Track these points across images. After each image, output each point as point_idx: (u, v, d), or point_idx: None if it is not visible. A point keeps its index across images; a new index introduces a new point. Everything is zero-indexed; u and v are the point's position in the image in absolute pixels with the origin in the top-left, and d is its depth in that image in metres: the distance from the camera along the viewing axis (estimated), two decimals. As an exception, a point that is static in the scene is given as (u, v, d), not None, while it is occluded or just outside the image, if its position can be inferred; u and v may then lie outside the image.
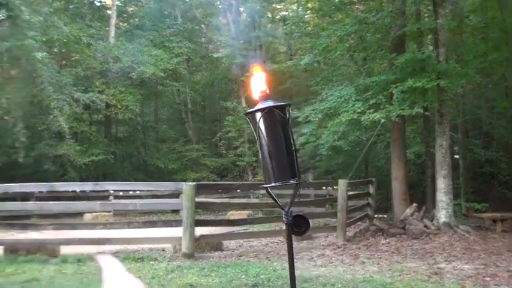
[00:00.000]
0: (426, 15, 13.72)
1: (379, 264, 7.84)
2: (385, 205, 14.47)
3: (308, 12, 20.13)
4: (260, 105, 1.20)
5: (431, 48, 13.45)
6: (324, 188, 14.29)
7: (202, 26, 28.85)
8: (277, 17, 27.34)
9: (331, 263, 8.08)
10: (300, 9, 22.30)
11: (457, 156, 14.17)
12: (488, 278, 6.55)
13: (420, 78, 10.42)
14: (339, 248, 9.40)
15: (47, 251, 8.68)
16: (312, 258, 8.49)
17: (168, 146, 24.86)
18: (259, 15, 24.84)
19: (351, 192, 11.49)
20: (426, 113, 11.70)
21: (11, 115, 17.47)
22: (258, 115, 1.18)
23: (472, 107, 17.22)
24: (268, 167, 1.25)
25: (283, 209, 1.31)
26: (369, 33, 13.36)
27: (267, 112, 1.14)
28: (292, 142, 1.20)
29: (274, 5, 26.30)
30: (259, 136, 1.11)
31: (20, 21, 16.57)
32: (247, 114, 1.22)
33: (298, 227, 1.34)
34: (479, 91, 16.83)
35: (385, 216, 13.54)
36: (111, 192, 17.04)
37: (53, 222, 8.97)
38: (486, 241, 9.88)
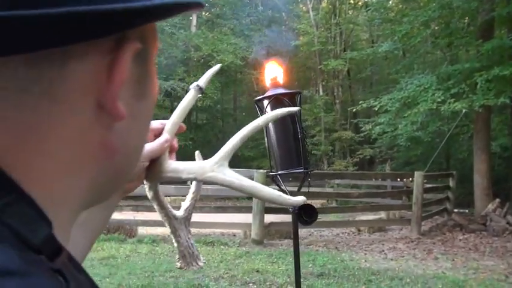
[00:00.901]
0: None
1: (453, 260, 7.55)
2: (467, 200, 13.77)
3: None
4: (269, 93, 1.17)
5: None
6: (398, 179, 13.88)
7: (283, 13, 28.80)
8: (359, 3, 26.70)
9: (403, 256, 7.88)
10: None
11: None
12: None
13: (508, 66, 9.82)
14: (412, 242, 9.13)
15: (125, 230, 9.18)
16: (383, 251, 8.32)
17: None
18: (340, 1, 24.42)
19: (428, 185, 11.10)
20: (514, 104, 11.01)
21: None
22: (266, 102, 1.14)
23: None
24: (275, 155, 1.22)
25: None
26: (454, 18, 12.75)
27: (274, 99, 1.11)
28: (300, 131, 1.16)
29: (356, -9, 25.75)
30: (265, 125, 1.04)
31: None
32: (256, 101, 1.20)
33: (307, 216, 1.31)
34: None
35: (466, 211, 12.92)
36: (189, 177, 17.55)
37: (132, 204, 9.41)
38: None
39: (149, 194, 0.92)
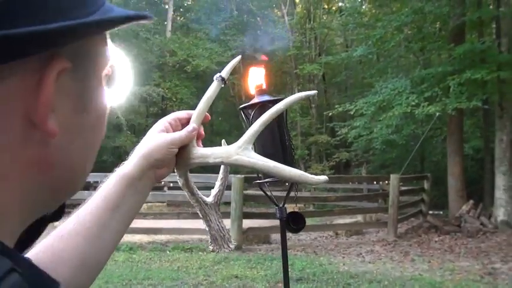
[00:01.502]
0: (488, 3, 13.13)
1: (430, 262, 7.64)
2: (441, 202, 13.99)
3: (365, 2, 19.79)
4: (255, 100, 1.17)
5: (492, 38, 12.86)
6: (374, 182, 14.02)
7: (258, 18, 28.89)
8: (333, 8, 26.96)
9: (380, 259, 7.94)
10: (356, 0, 21.89)
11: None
12: (546, 281, 6.24)
13: (480, 70, 10.03)
14: (389, 244, 9.22)
15: (101, 238, 9.02)
16: (361, 254, 8.38)
17: (222, 138, 25.10)
18: (315, 6, 24.61)
19: (403, 188, 11.24)
20: (485, 106, 11.23)
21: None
22: (252, 110, 1.15)
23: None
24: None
25: (277, 205, 1.28)
26: (427, 23, 12.97)
27: (260, 107, 1.11)
28: (287, 137, 1.16)
29: (330, -4, 25.99)
30: None
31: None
32: (241, 109, 1.20)
33: (294, 223, 1.31)
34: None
35: (441, 213, 13.12)
36: (165, 183, 17.41)
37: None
38: (548, 242, 9.40)
39: (180, 181, 0.99)
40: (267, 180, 1.25)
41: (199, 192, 1.03)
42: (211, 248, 1.07)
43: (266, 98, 1.19)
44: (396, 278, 6.48)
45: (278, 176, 0.93)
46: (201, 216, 1.04)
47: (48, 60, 0.46)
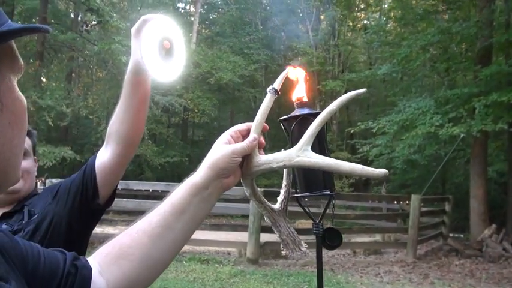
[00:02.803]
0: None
1: (450, 286, 7.48)
2: (462, 224, 13.73)
3: (390, 21, 19.72)
4: (295, 112, 1.18)
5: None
6: (395, 202, 13.82)
7: (282, 33, 29.02)
8: (358, 26, 26.93)
9: (399, 280, 7.80)
10: (381, 18, 21.85)
11: (544, 177, 13.20)
12: None
13: (506, 92, 9.87)
14: (408, 265, 9.05)
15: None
16: (379, 274, 8.24)
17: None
18: (340, 23, 24.62)
19: (424, 209, 11.06)
20: (511, 130, 11.02)
21: (95, 114, 18.43)
22: (292, 122, 1.15)
23: None
24: (300, 175, 1.22)
25: (314, 221, 1.26)
26: (453, 43, 12.86)
27: (301, 119, 1.12)
28: (327, 151, 1.15)
29: (355, 13, 25.94)
30: (292, 143, 1.10)
31: (109, 26, 17.52)
32: (281, 121, 1.20)
33: (330, 240, 1.29)
34: None
35: (462, 236, 12.87)
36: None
37: (126, 219, 9.32)
38: None
39: (247, 192, 1.04)
40: (305, 194, 1.22)
41: (266, 201, 1.07)
42: (283, 253, 1.10)
43: (306, 111, 1.19)
44: (415, 301, 6.35)
45: (339, 171, 0.97)
46: (270, 223, 1.08)
47: None
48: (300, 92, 1.22)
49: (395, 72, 13.92)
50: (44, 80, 19.17)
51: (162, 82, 1.26)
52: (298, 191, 1.23)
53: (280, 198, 1.12)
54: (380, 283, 7.56)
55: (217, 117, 27.13)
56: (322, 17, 25.23)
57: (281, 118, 1.21)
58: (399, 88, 16.18)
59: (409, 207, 10.44)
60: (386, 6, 20.72)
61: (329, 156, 1.15)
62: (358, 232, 11.00)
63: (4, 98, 0.63)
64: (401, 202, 13.24)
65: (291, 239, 1.08)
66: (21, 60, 0.68)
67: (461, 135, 10.53)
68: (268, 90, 1.08)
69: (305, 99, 1.22)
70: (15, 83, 0.66)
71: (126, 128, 1.40)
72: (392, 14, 18.02)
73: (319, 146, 1.10)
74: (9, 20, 0.66)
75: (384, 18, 20.68)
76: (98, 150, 1.52)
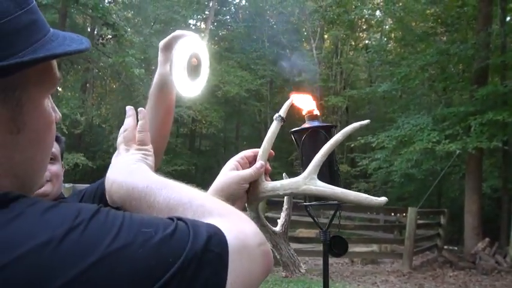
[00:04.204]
0: (512, 48, 12.98)
1: (444, 296, 7.39)
2: (456, 237, 13.64)
3: (390, 41, 19.78)
4: (306, 125, 1.17)
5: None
6: (392, 214, 13.74)
7: (287, 50, 29.14)
8: (359, 45, 27.01)
9: (394, 290, 7.73)
10: (382, 38, 21.92)
11: (536, 194, 13.13)
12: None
13: (501, 112, 9.85)
14: (404, 275, 8.97)
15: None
16: (375, 283, 8.17)
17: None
18: (342, 42, 24.70)
19: (420, 221, 10.98)
20: (506, 147, 10.98)
21: (108, 123, 18.50)
22: (303, 134, 1.15)
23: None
24: None
25: (321, 229, 1.25)
26: (451, 63, 12.88)
27: (312, 132, 1.11)
28: (336, 163, 1.15)
29: (357, 33, 26.04)
30: (302, 155, 1.10)
31: (124, 40, 17.61)
32: (292, 133, 1.20)
33: (337, 247, 1.28)
34: None
35: (456, 248, 12.77)
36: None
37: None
38: None
39: (250, 215, 1.03)
40: (313, 203, 1.22)
41: (269, 224, 1.07)
42: (283, 274, 1.12)
43: (317, 123, 1.19)
44: (411, 310, 6.28)
45: (345, 200, 0.99)
46: (271, 245, 1.07)
47: None
48: (310, 105, 1.22)
49: (394, 90, 13.96)
50: (60, 89, 19.25)
51: (186, 97, 1.26)
52: (307, 200, 1.22)
53: (280, 221, 1.12)
54: (377, 292, 7.50)
55: (224, 128, 27.17)
56: (326, 36, 25.32)
57: (292, 130, 1.21)
58: (398, 105, 16.19)
59: (405, 219, 10.37)
60: (387, 27, 20.80)
61: (338, 181, 1.14)
62: (357, 242, 10.92)
63: (27, 116, 0.61)
64: (398, 214, 13.17)
65: (291, 261, 1.08)
66: (58, 74, 0.67)
67: (457, 152, 10.51)
68: (274, 117, 1.08)
69: (316, 112, 1.22)
70: (45, 99, 0.65)
71: (152, 140, 1.38)
72: (393, 34, 18.16)
73: (330, 171, 1.10)
74: (51, 29, 0.66)
75: (385, 39, 20.81)
76: (110, 158, 1.50)
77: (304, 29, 26.83)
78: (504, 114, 9.69)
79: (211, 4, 26.51)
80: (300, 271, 1.07)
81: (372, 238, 11.75)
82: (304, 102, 1.23)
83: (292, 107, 1.21)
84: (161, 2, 22.98)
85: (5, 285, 0.47)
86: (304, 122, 1.24)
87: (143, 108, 0.96)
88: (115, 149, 1.44)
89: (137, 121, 0.93)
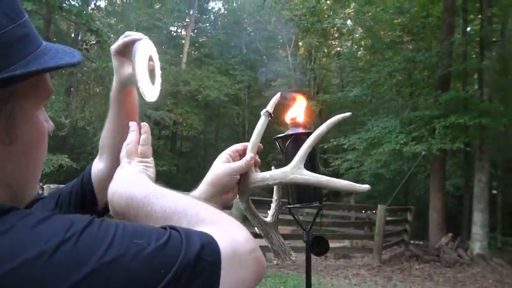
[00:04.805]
0: (472, 56, 13.26)
1: (411, 288, 7.51)
2: (421, 233, 13.85)
3: (360, 48, 19.99)
4: (289, 131, 1.19)
5: (475, 87, 12.95)
6: (363, 211, 13.89)
7: (264, 57, 29.21)
8: (332, 52, 27.23)
9: (365, 282, 7.82)
10: (353, 46, 22.14)
11: (495, 192, 13.44)
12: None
13: (463, 115, 10.06)
14: (374, 269, 9.08)
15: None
16: (348, 276, 8.24)
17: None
18: (316, 50, 24.87)
19: (389, 218, 11.13)
20: (467, 149, 11.21)
21: (92, 126, 18.23)
22: (287, 140, 1.16)
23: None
24: (293, 188, 1.23)
25: (304, 229, 1.27)
26: (417, 70, 13.08)
27: (295, 138, 1.13)
28: (317, 167, 1.17)
29: (330, 41, 26.26)
30: (286, 160, 1.11)
31: (107, 45, 17.38)
32: (276, 139, 1.21)
33: (318, 247, 1.30)
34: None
35: (421, 243, 12.97)
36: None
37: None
38: (520, 276, 9.26)
39: (242, 206, 1.04)
40: (296, 205, 1.23)
41: (259, 214, 1.07)
42: (275, 262, 1.11)
43: (300, 130, 1.20)
44: (380, 301, 6.36)
45: (329, 187, 1.00)
46: (262, 235, 1.08)
47: None
48: (293, 113, 1.24)
49: (365, 94, 14.10)
50: (45, 93, 18.83)
51: (148, 102, 1.17)
52: (290, 202, 1.23)
53: (271, 212, 1.12)
54: (348, 285, 7.57)
55: (204, 131, 27.07)
56: (300, 43, 25.46)
57: (276, 136, 1.22)
58: (368, 109, 16.35)
59: (375, 217, 10.50)
60: (357, 35, 21.00)
61: (319, 171, 1.16)
62: (330, 238, 10.96)
63: (20, 128, 0.60)
64: (368, 211, 13.32)
65: (281, 249, 1.09)
66: (50, 86, 0.65)
67: (423, 153, 10.68)
68: (262, 113, 1.09)
69: (299, 119, 1.23)
70: (37, 111, 0.64)
71: (118, 142, 1.34)
72: (363, 42, 18.35)
73: (311, 163, 1.11)
74: (44, 42, 0.64)
75: (355, 47, 21.00)
76: (93, 159, 1.47)
77: (280, 37, 26.92)
78: (465, 118, 9.89)
79: (191, 12, 26.42)
80: (290, 258, 1.09)
81: (344, 234, 11.85)
82: (292, 108, 1.24)
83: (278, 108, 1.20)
84: (143, 10, 22.79)
85: None
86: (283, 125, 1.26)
87: (146, 123, 0.96)
88: (97, 151, 1.42)
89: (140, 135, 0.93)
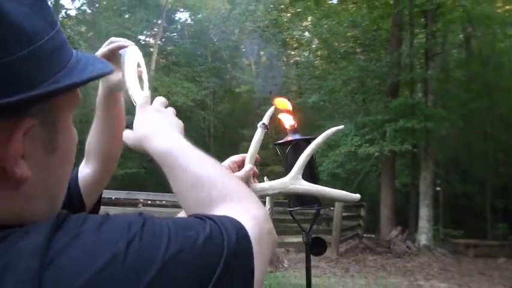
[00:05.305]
0: (418, 66, 13.71)
1: (366, 278, 7.69)
2: (374, 227, 14.16)
3: (317, 58, 20.29)
4: (289, 138, 1.20)
5: (421, 94, 13.39)
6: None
7: (228, 65, 29.18)
8: (291, 61, 27.50)
9: (325, 274, 7.93)
10: (310, 56, 22.45)
11: (438, 189, 13.92)
12: (461, 297, 6.37)
13: (411, 120, 10.37)
14: (332, 261, 9.23)
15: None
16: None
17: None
18: (276, 58, 25.06)
19: (345, 214, 11.32)
20: (414, 150, 11.59)
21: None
22: (287, 146, 1.17)
23: (453, 147, 16.97)
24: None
25: (303, 231, 1.29)
26: (369, 78, 13.38)
27: (295, 144, 1.14)
28: (316, 171, 1.19)
29: (289, 51, 26.51)
30: (286, 164, 1.12)
31: (78, 53, 16.91)
32: (276, 145, 1.22)
33: (317, 247, 1.33)
34: (460, 134, 16.62)
35: (373, 236, 13.27)
36: (141, 200, 16.93)
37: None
38: (460, 264, 9.64)
39: None
40: (296, 209, 1.24)
41: None
42: (268, 269, 1.09)
43: (298, 136, 1.21)
44: (339, 290, 6.48)
45: (327, 197, 1.02)
46: None
47: (17, 120, 0.50)
48: (292, 120, 1.24)
49: (322, 101, 14.30)
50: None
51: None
52: (291, 205, 1.24)
53: None
54: (310, 276, 7.66)
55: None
56: (262, 52, 25.58)
57: (276, 142, 1.22)
58: (325, 114, 16.62)
59: (332, 213, 10.67)
60: (314, 46, 21.31)
61: (318, 179, 1.18)
62: (291, 234, 11.10)
63: (61, 136, 0.57)
64: (326, 208, 13.47)
65: (275, 257, 1.09)
66: (80, 94, 0.62)
67: (375, 154, 10.95)
68: (258, 125, 1.08)
69: (296, 126, 1.24)
70: (70, 119, 0.61)
71: (105, 148, 1.28)
72: (319, 52, 18.64)
73: (310, 171, 1.11)
74: (74, 50, 0.60)
75: (312, 56, 21.30)
76: (79, 164, 1.41)
77: (242, 46, 26.96)
78: (413, 122, 10.23)
79: (159, 22, 26.06)
80: (283, 266, 1.10)
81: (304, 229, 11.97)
82: (287, 117, 1.25)
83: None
84: (113, 19, 22.34)
85: None
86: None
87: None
88: (82, 156, 1.37)
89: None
